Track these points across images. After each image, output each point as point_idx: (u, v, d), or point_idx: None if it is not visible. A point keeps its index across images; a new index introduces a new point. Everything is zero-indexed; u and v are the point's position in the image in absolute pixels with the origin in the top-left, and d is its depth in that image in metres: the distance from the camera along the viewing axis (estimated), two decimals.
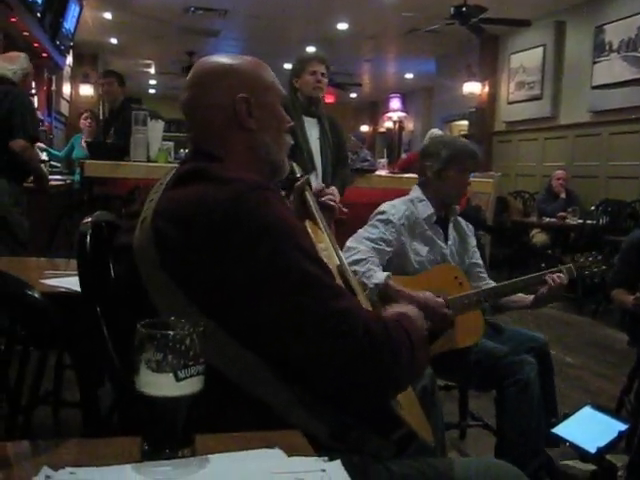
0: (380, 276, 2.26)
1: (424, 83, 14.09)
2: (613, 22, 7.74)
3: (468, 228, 2.67)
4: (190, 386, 0.84)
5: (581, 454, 2.14)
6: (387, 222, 2.44)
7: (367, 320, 1.10)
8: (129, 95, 5.78)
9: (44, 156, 6.36)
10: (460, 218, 2.67)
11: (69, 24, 8.77)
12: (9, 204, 4.02)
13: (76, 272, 1.26)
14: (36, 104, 7.74)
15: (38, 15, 7.33)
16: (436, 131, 7.20)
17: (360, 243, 2.38)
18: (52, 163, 6.77)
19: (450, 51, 11.42)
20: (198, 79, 1.33)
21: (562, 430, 2.16)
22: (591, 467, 2.15)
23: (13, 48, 5.71)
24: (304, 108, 3.73)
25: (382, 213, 2.49)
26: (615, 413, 2.63)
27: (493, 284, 2.56)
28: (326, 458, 0.88)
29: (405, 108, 16.28)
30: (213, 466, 0.84)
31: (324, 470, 0.85)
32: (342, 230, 2.49)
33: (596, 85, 8.01)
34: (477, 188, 5.33)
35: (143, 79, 16.13)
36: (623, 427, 2.12)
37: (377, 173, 4.97)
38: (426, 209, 2.52)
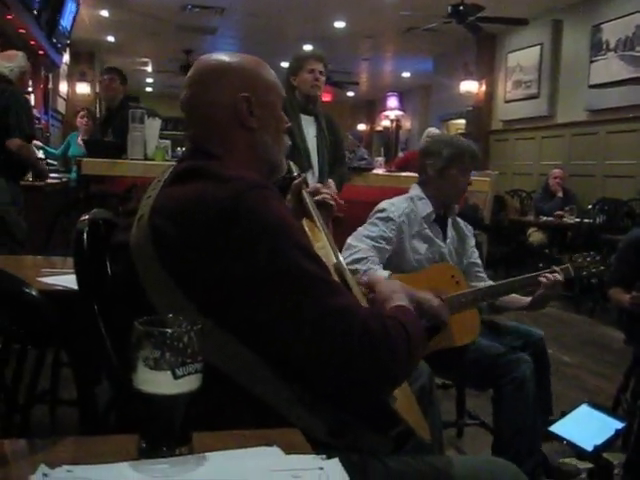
0: (381, 274, 2.26)
1: (421, 82, 14.10)
2: (610, 21, 7.75)
3: (467, 228, 2.68)
4: (188, 384, 0.84)
5: (578, 452, 2.15)
6: (387, 220, 2.45)
7: (365, 318, 1.10)
8: (128, 93, 5.77)
9: (40, 154, 6.34)
10: (459, 219, 2.67)
11: (66, 22, 8.75)
12: (6, 203, 4.01)
13: (73, 270, 1.25)
14: (33, 102, 7.73)
15: (35, 13, 7.32)
16: (433, 130, 7.20)
17: (360, 241, 2.38)
18: (49, 161, 6.76)
19: (447, 50, 11.42)
20: (199, 77, 1.32)
21: (559, 428, 2.17)
22: (588, 465, 2.15)
23: (9, 46, 5.71)
24: (301, 106, 3.73)
25: (382, 211, 2.49)
26: (612, 412, 2.64)
27: (491, 284, 2.56)
28: (324, 456, 0.88)
29: (402, 107, 16.27)
30: (211, 464, 0.84)
31: (322, 468, 0.85)
32: (340, 229, 2.49)
33: (593, 84, 8.02)
34: (474, 187, 5.31)
35: (140, 77, 16.11)
36: (620, 425, 2.13)
37: (374, 172, 4.96)
38: (425, 207, 2.52)
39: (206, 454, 0.86)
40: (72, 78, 12.51)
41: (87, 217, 1.30)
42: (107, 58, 13.41)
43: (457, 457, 1.63)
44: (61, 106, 11.77)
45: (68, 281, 1.76)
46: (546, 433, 2.19)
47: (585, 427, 2.15)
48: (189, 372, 0.83)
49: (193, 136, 1.32)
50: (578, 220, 6.97)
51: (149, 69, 15.10)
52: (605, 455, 2.13)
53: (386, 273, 2.28)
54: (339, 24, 10.31)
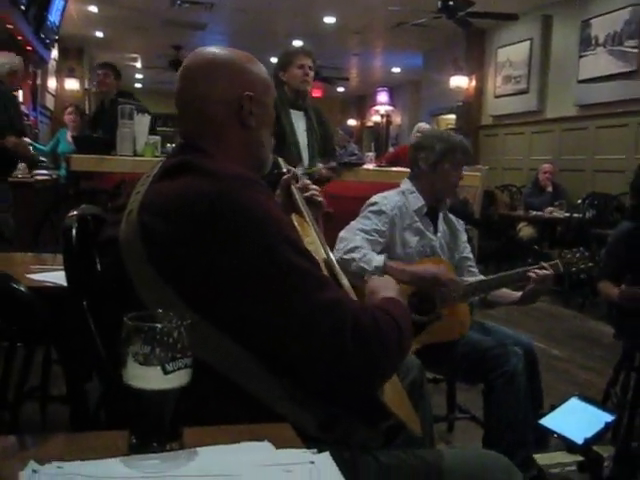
0: (378, 259, 2.29)
1: (411, 77, 14.10)
2: (599, 16, 7.77)
3: (459, 223, 2.70)
4: (178, 379, 0.83)
5: (568, 445, 2.15)
6: (380, 213, 2.46)
7: (356, 312, 1.10)
8: (121, 89, 5.74)
9: (30, 150, 6.30)
10: (451, 215, 2.69)
11: (54, 17, 8.68)
12: None
13: (62, 267, 1.25)
14: (21, 98, 7.67)
15: (22, 8, 7.25)
16: (423, 125, 7.21)
17: (353, 234, 2.39)
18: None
19: (437, 45, 11.43)
20: (200, 71, 1.30)
21: (549, 421, 2.18)
22: (578, 458, 2.16)
23: None
24: (291, 101, 3.75)
25: (374, 204, 2.50)
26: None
27: (483, 278, 2.57)
28: (315, 450, 0.88)
29: (392, 102, 16.28)
30: (201, 459, 0.84)
31: (313, 462, 0.85)
32: (331, 224, 2.48)
33: (582, 79, 8.04)
34: (465, 181, 5.33)
35: (129, 73, 16.00)
36: (610, 418, 2.13)
37: (365, 167, 4.95)
38: (417, 201, 2.53)
39: (197, 449, 0.86)
40: (61, 74, 12.42)
41: (75, 213, 1.29)
42: (96, 54, 13.35)
43: (448, 450, 1.63)
44: (50, 102, 11.69)
45: (57, 277, 1.75)
46: (536, 426, 2.20)
47: (575, 420, 2.15)
48: (179, 367, 0.83)
49: (186, 131, 1.31)
50: (568, 215, 7.00)
51: (138, 65, 15.03)
52: (595, 448, 2.13)
53: (383, 256, 2.29)
54: (329, 19, 10.30)
